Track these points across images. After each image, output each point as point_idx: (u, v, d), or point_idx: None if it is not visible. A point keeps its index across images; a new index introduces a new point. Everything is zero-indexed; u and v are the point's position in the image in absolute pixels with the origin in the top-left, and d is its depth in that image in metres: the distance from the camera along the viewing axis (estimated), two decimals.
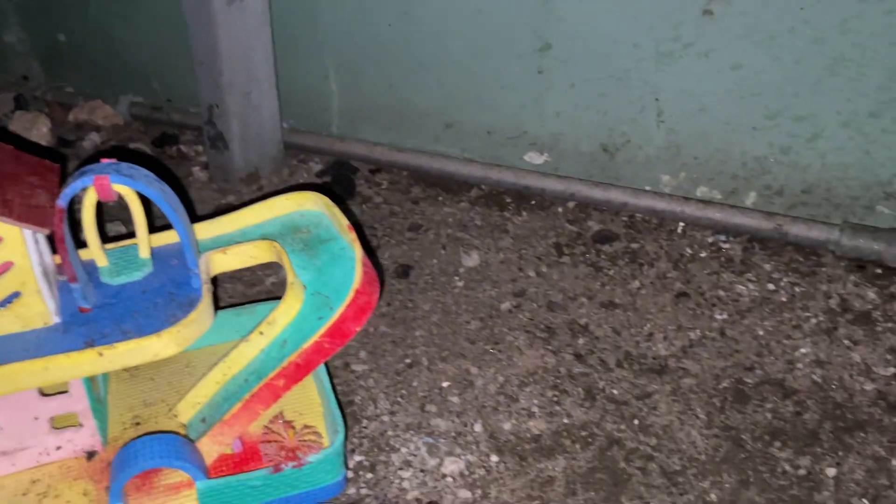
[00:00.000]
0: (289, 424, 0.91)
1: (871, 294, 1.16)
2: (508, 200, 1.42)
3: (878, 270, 1.19)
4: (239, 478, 0.81)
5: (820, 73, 1.17)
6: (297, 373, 0.79)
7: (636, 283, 1.21)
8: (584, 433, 0.96)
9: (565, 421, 0.98)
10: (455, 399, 1.02)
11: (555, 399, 1.01)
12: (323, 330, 0.78)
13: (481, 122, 1.45)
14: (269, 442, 0.88)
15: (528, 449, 0.94)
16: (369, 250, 1.30)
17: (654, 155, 1.35)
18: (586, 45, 1.29)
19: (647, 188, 1.38)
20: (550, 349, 1.09)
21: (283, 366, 0.78)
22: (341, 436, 0.83)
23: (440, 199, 1.44)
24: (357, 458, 0.93)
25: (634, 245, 1.29)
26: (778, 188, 1.29)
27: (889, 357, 1.05)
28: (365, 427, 0.97)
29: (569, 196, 1.40)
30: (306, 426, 0.91)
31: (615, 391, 1.02)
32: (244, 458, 0.87)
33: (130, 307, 0.80)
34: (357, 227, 1.37)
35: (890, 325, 1.10)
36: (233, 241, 0.89)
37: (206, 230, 0.90)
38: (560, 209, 1.39)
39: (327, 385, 0.91)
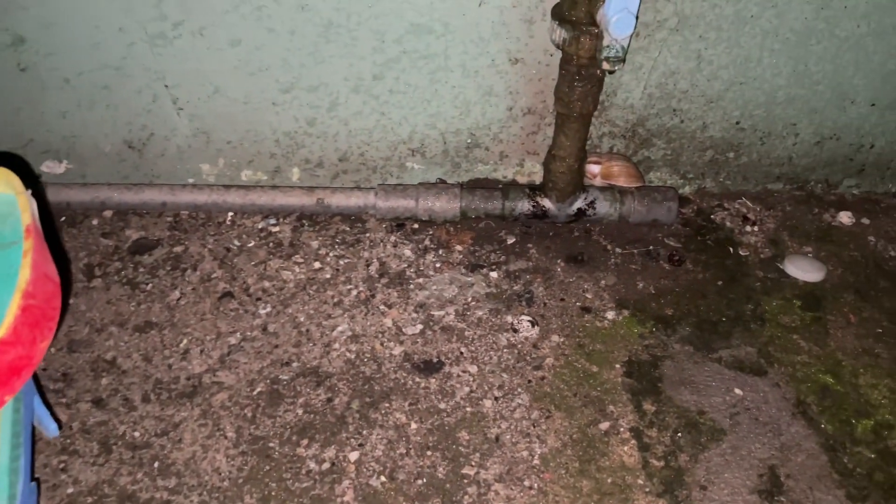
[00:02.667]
0: None
1: (408, 252, 1.19)
2: None
3: (415, 226, 1.23)
4: None
5: (315, 41, 1.13)
6: None
7: (176, 294, 1.11)
8: (90, 500, 0.84)
9: (70, 491, 0.85)
10: None
11: (60, 468, 0.88)
12: None
13: None
14: None
15: None
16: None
17: (185, 145, 1.23)
18: (66, 34, 1.11)
19: (191, 181, 1.27)
20: (63, 403, 0.95)
21: None
22: None
23: None
24: None
25: (178, 248, 1.18)
26: (317, 161, 1.27)
27: (416, 314, 1.09)
28: None
29: (100, 205, 1.23)
30: None
31: (137, 433, 0.92)
32: None
33: None
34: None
35: (421, 279, 1.14)
36: None
37: None
38: (95, 222, 1.22)
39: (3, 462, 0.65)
